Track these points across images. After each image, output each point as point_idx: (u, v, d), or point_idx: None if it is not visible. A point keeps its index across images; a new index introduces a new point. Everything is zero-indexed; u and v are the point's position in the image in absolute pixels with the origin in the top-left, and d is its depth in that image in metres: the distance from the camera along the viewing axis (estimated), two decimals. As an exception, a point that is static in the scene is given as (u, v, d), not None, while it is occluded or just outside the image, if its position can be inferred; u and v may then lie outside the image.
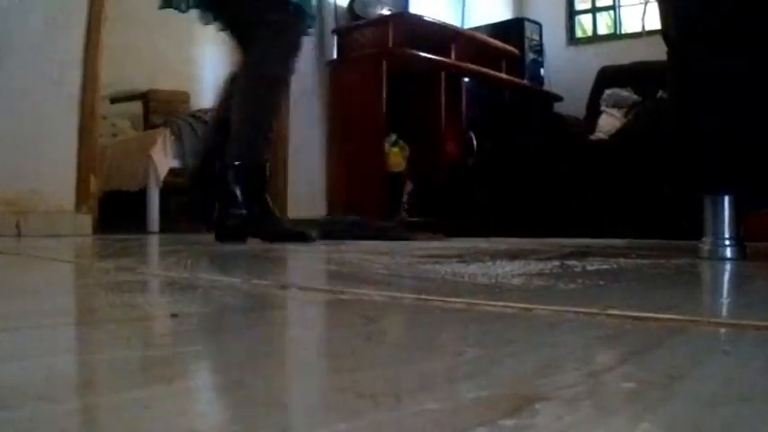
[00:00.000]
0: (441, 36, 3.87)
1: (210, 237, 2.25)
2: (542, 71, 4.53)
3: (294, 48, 2.23)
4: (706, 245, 1.51)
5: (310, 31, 2.39)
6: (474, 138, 3.93)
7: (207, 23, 2.29)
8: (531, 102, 4.33)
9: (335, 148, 3.67)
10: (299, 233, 2.17)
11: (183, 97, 4.74)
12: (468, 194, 3.86)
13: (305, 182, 3.56)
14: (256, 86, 2.17)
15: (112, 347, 0.52)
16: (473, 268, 1.18)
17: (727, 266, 1.39)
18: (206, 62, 5.40)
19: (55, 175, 2.71)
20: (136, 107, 4.58)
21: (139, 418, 0.31)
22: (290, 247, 1.98)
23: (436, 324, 0.63)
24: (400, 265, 1.30)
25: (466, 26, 4.38)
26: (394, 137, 3.63)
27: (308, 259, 1.63)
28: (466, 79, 3.97)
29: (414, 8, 3.87)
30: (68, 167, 2.76)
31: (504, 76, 4.16)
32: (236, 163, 2.14)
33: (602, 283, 0.99)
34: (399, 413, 0.32)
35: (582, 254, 1.68)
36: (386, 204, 3.50)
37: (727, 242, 1.49)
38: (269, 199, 2.25)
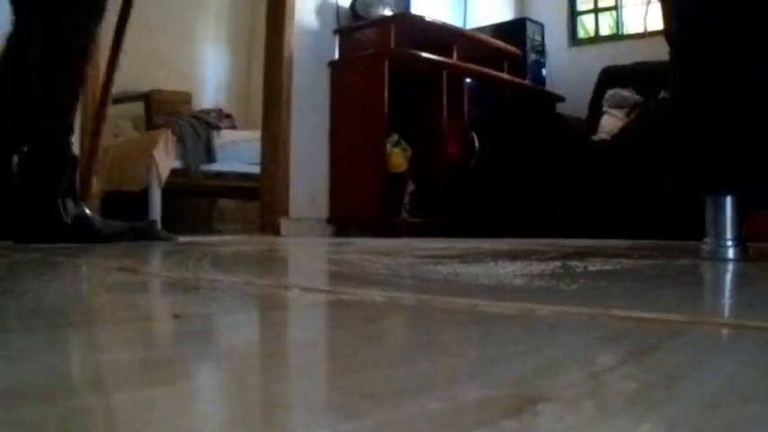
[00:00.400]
0: (442, 36, 3.87)
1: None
2: (544, 71, 4.52)
3: (98, 9, 1.95)
4: (708, 245, 1.51)
5: None
6: (476, 138, 3.93)
7: None
8: (532, 102, 4.32)
9: (337, 148, 3.67)
10: (99, 233, 1.92)
11: (185, 98, 4.75)
12: (469, 195, 3.86)
13: (306, 183, 3.56)
14: (57, 59, 1.87)
15: (114, 348, 0.52)
16: (474, 269, 1.18)
17: (729, 267, 1.39)
18: (208, 62, 5.41)
19: (57, 176, 2.71)
20: (138, 108, 4.59)
21: (140, 418, 0.31)
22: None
23: (437, 324, 0.63)
24: (401, 266, 1.30)
25: (468, 26, 4.38)
26: (396, 137, 3.62)
27: (310, 260, 1.64)
28: (468, 80, 3.96)
29: (415, 8, 3.87)
30: (70, 168, 2.76)
31: (505, 76, 4.15)
32: (29, 150, 1.85)
33: (603, 283, 0.99)
34: (400, 413, 0.32)
35: (583, 254, 1.68)
36: (387, 205, 3.50)
37: (729, 243, 1.49)
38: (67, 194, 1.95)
